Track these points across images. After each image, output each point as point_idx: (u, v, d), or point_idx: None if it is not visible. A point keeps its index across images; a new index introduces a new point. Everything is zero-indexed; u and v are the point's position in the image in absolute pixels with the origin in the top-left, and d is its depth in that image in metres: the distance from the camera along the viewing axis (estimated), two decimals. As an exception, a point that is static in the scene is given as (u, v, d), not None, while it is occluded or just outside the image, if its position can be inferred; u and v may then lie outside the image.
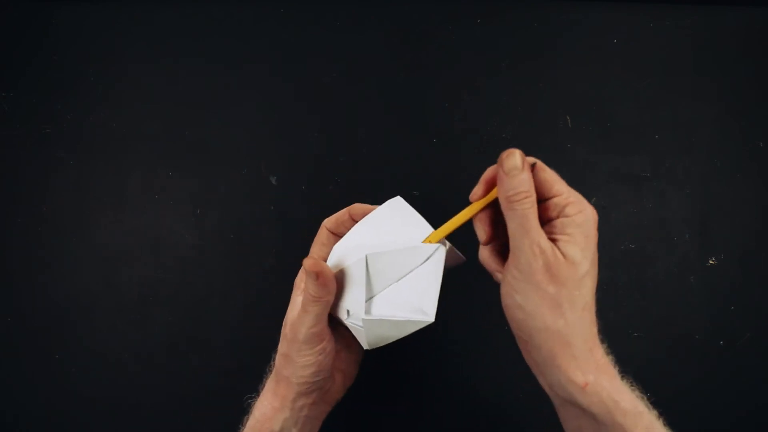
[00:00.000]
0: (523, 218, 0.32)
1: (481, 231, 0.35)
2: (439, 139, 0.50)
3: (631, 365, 0.48)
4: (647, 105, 0.50)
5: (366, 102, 0.50)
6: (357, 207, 0.38)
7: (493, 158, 0.49)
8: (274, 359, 0.39)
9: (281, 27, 0.51)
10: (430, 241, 0.36)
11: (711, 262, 0.48)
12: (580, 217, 0.32)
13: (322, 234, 0.39)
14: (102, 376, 0.49)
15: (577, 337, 0.31)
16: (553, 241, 0.32)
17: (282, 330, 0.38)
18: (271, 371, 0.39)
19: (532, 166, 0.33)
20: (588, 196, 0.48)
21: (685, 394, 0.48)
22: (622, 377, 0.33)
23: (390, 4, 0.51)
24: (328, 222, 0.39)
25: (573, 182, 0.49)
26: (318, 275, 0.34)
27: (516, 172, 0.32)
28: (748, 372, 0.48)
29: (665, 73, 0.50)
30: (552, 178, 0.33)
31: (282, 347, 0.38)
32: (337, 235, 0.38)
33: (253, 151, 0.50)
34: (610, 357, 0.33)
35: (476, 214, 0.35)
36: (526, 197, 0.32)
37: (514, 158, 0.32)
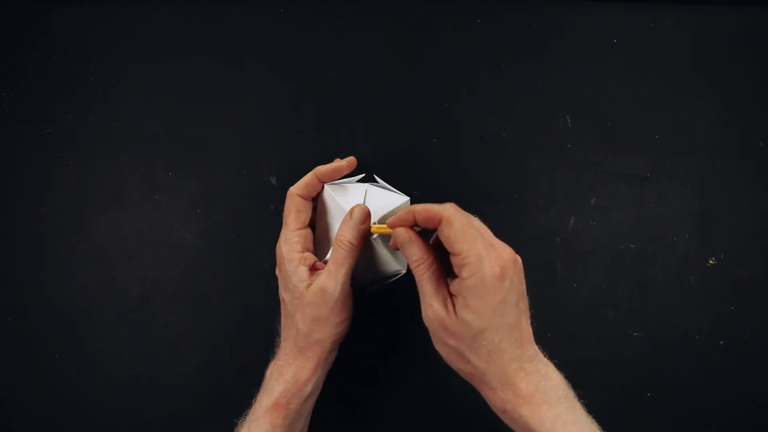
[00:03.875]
0: (417, 281, 0.36)
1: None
2: (439, 139, 0.50)
3: (631, 365, 0.48)
4: (647, 105, 0.50)
5: (366, 102, 0.50)
6: (322, 168, 0.43)
7: (492, 158, 0.50)
8: (282, 329, 0.42)
9: (281, 27, 0.51)
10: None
11: (711, 262, 0.48)
12: (472, 280, 0.33)
13: (296, 201, 0.42)
14: (102, 376, 0.49)
15: (489, 375, 0.34)
16: (454, 297, 0.34)
17: (303, 300, 0.39)
18: (280, 339, 0.42)
19: (438, 223, 0.35)
20: (588, 196, 0.49)
21: (685, 394, 0.48)
22: (583, 403, 0.36)
23: (390, 4, 0.51)
24: (297, 189, 0.42)
25: (573, 182, 0.49)
26: (365, 218, 0.39)
27: (407, 245, 0.36)
28: (748, 372, 0.48)
29: (665, 73, 0.50)
30: (454, 236, 0.34)
31: (309, 314, 0.40)
32: (307, 200, 0.43)
33: (253, 151, 0.50)
34: (554, 381, 0.35)
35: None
36: (418, 264, 0.36)
37: (401, 235, 0.36)
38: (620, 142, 0.49)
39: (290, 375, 0.40)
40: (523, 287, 0.36)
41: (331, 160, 0.49)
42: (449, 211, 0.34)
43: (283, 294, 0.41)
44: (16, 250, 0.50)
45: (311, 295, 0.39)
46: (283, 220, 0.42)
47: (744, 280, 0.48)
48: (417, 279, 0.36)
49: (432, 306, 0.35)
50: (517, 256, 0.35)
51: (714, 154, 0.49)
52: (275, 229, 0.45)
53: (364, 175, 0.47)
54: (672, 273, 0.48)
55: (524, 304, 0.35)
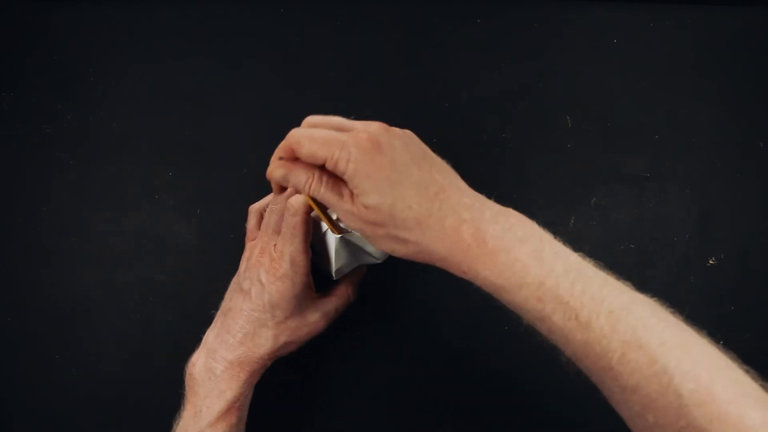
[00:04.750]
0: (322, 200, 0.34)
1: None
2: (438, 139, 0.50)
3: (631, 365, 0.48)
4: (647, 105, 0.50)
5: (366, 102, 0.50)
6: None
7: (492, 158, 0.50)
8: (240, 332, 0.39)
9: (281, 27, 0.51)
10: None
11: (711, 262, 0.48)
12: (347, 167, 0.32)
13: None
14: (102, 376, 0.49)
15: (432, 243, 0.32)
16: (354, 194, 0.33)
17: (269, 312, 0.39)
18: (216, 359, 0.39)
19: (293, 153, 0.34)
20: (588, 196, 0.49)
21: (685, 394, 0.48)
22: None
23: (390, 4, 0.51)
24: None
25: (573, 182, 0.49)
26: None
27: (288, 178, 0.35)
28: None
29: (665, 73, 0.50)
30: (308, 150, 0.32)
31: (273, 321, 0.39)
32: None
33: (253, 151, 0.50)
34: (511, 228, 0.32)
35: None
36: (309, 186, 0.34)
37: (274, 176, 0.35)
38: (620, 142, 0.49)
39: (243, 379, 0.39)
40: (419, 148, 0.34)
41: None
42: (292, 135, 0.34)
43: (260, 293, 0.39)
44: (16, 250, 0.50)
45: (282, 303, 0.38)
46: (284, 236, 0.39)
47: (744, 280, 0.48)
48: (320, 199, 0.34)
49: (345, 211, 0.33)
50: (395, 128, 0.34)
51: (714, 154, 0.49)
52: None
53: None
54: (672, 273, 0.48)
55: (430, 162, 0.33)
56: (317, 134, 0.33)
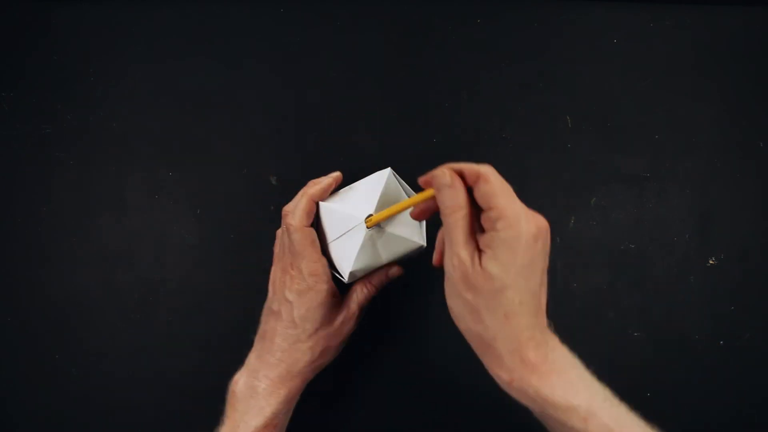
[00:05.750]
0: (449, 229, 0.34)
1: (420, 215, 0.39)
2: (438, 139, 0.50)
3: (632, 365, 0.48)
4: (647, 105, 0.50)
5: (366, 102, 0.50)
6: (312, 190, 0.42)
7: (493, 159, 0.49)
8: (278, 350, 0.41)
9: (281, 27, 0.51)
10: (370, 221, 0.40)
11: (711, 262, 0.48)
12: (507, 233, 0.32)
13: (309, 233, 0.41)
14: (102, 376, 0.49)
15: (500, 339, 0.33)
16: (482, 251, 0.33)
17: (300, 326, 0.40)
18: (264, 377, 0.40)
19: (476, 179, 0.34)
20: (588, 196, 0.49)
21: (685, 394, 0.48)
22: (591, 370, 0.35)
23: (390, 4, 0.51)
24: (304, 221, 0.41)
25: (573, 182, 0.49)
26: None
27: (445, 189, 0.34)
28: (748, 372, 0.48)
29: (665, 73, 0.50)
30: (493, 191, 0.33)
31: (305, 334, 0.40)
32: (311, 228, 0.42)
33: (253, 151, 0.50)
34: (560, 352, 0.34)
35: (415, 206, 0.38)
36: (452, 212, 0.34)
37: (444, 177, 0.34)
38: (620, 142, 0.49)
39: (283, 396, 0.40)
40: (548, 263, 0.35)
41: (330, 161, 0.50)
42: (488, 168, 0.34)
43: (305, 314, 0.40)
44: (16, 250, 0.50)
45: (305, 282, 0.40)
46: (295, 253, 0.40)
47: (744, 280, 0.48)
48: (449, 227, 0.34)
49: (459, 254, 0.33)
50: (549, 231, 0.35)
51: (714, 154, 0.49)
52: (275, 229, 0.45)
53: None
54: (672, 273, 0.48)
55: (545, 277, 0.35)
56: (508, 189, 0.33)
